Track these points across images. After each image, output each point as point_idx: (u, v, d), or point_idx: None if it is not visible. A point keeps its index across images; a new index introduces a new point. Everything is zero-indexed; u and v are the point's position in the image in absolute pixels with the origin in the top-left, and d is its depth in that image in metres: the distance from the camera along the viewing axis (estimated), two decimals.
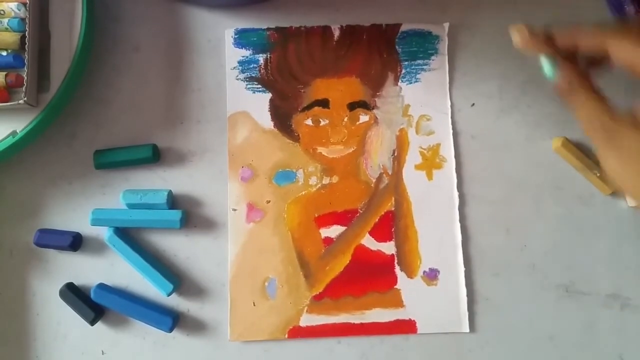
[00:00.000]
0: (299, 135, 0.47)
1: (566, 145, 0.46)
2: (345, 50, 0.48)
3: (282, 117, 0.48)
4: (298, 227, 0.46)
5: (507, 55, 0.48)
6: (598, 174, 0.46)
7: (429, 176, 0.47)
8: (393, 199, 0.47)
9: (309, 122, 0.47)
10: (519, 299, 0.46)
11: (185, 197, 0.47)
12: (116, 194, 0.46)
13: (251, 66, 0.48)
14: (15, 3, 0.43)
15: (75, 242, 0.46)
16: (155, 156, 0.46)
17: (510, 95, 0.48)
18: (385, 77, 0.48)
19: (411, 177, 0.47)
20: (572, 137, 0.47)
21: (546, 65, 0.34)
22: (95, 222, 0.45)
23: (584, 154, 0.47)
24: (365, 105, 0.48)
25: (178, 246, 0.47)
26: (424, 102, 0.48)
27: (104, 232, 0.46)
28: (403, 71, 0.48)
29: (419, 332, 0.45)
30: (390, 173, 0.47)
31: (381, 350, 0.46)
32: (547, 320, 0.46)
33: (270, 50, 0.48)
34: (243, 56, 0.48)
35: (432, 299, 0.45)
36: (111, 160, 0.46)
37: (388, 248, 0.46)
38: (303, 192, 0.47)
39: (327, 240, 0.46)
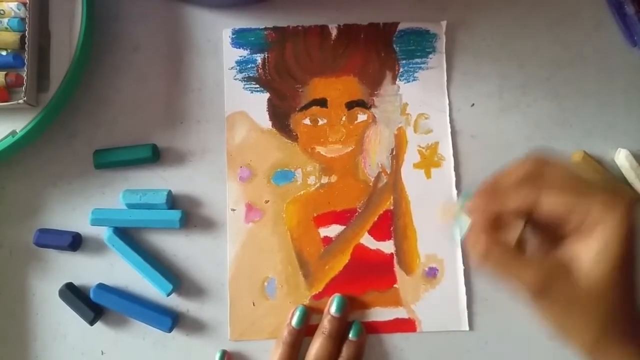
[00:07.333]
0: (297, 134, 0.47)
1: (586, 160, 0.46)
2: (342, 49, 0.48)
3: (280, 116, 0.48)
4: (297, 226, 0.46)
5: (507, 55, 0.48)
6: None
7: (428, 175, 0.47)
8: (392, 197, 0.47)
9: (307, 121, 0.47)
10: (519, 297, 0.46)
11: (184, 197, 0.47)
12: (116, 194, 0.46)
13: (249, 66, 0.48)
14: (15, 3, 0.43)
15: (75, 242, 0.46)
16: (154, 156, 0.47)
17: (510, 95, 0.48)
18: (383, 76, 0.48)
19: (410, 175, 0.47)
20: (572, 138, 0.47)
21: (462, 225, 0.33)
22: (95, 222, 0.45)
23: (602, 166, 0.46)
24: (363, 104, 0.47)
25: (178, 246, 0.47)
26: (422, 100, 0.48)
27: (104, 232, 0.46)
28: (401, 70, 0.48)
29: (418, 330, 0.45)
30: (388, 172, 0.47)
31: (381, 349, 0.46)
32: None
33: (268, 50, 0.48)
34: (241, 56, 0.48)
35: (431, 298, 0.45)
36: (111, 160, 0.47)
37: (387, 247, 0.46)
38: (302, 192, 0.47)
39: (326, 240, 0.46)
